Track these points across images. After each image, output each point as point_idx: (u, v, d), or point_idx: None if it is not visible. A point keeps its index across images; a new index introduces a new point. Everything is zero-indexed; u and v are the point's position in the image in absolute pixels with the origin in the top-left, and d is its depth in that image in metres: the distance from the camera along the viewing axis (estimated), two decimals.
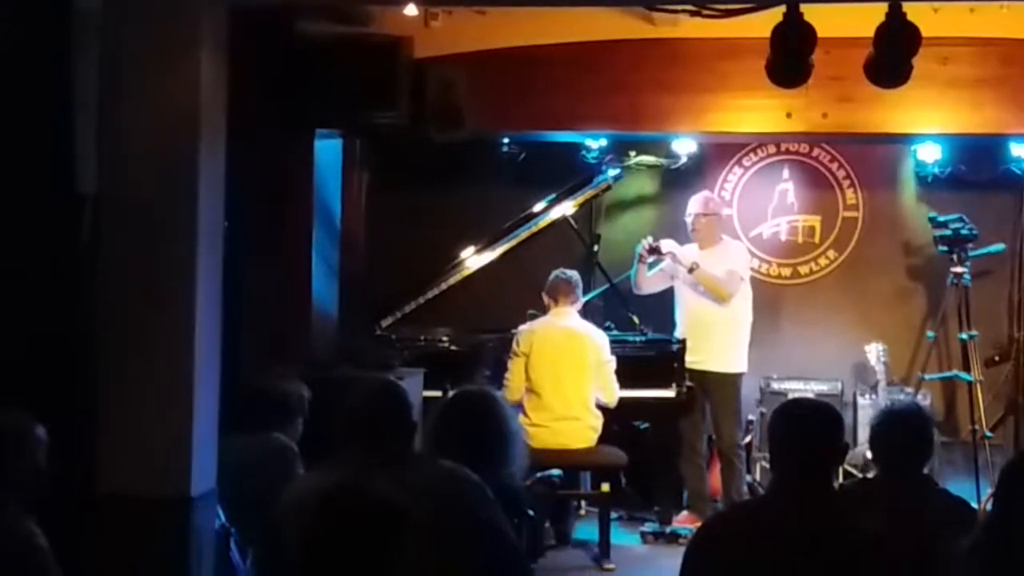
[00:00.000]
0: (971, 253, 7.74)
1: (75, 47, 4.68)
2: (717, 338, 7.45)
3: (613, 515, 7.10)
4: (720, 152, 8.55)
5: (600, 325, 7.35)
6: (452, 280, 7.58)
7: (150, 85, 4.68)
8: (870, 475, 6.27)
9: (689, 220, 7.60)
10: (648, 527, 7.45)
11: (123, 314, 4.66)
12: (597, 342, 6.94)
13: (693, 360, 7.39)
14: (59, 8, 4.66)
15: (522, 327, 7.00)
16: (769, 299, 8.24)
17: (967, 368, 7.71)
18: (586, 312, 7.45)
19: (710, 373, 7.44)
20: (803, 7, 5.13)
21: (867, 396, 7.95)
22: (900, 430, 4.11)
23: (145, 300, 4.66)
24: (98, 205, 4.76)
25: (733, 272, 7.45)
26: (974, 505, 5.98)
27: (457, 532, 3.53)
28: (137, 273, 4.66)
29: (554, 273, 7.06)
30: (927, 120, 7.12)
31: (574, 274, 7.08)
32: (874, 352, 7.84)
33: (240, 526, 4.70)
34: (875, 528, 3.29)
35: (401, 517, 2.83)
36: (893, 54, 5.34)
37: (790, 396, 7.34)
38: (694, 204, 7.62)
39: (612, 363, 6.95)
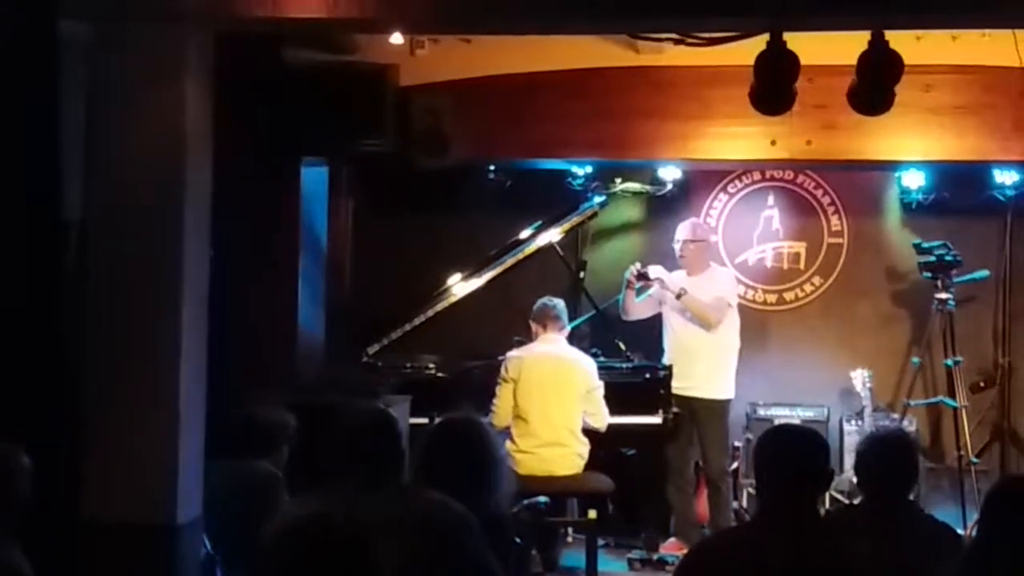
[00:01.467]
0: (956, 279, 7.78)
1: (61, 73, 4.68)
2: (704, 364, 7.46)
3: (600, 542, 7.07)
4: (705, 179, 8.58)
5: (587, 351, 7.37)
6: (439, 307, 7.58)
7: (136, 112, 4.69)
8: (856, 501, 6.28)
9: (677, 247, 7.63)
10: (635, 554, 7.44)
11: (109, 341, 4.66)
12: (586, 369, 6.95)
13: (680, 386, 7.40)
14: (45, 34, 4.67)
15: (510, 353, 7.01)
16: (755, 325, 8.25)
17: (952, 394, 7.73)
18: (573, 339, 7.45)
19: (697, 399, 7.45)
20: (786, 35, 5.16)
21: (853, 422, 7.95)
22: (885, 456, 4.12)
23: (131, 327, 4.66)
24: (84, 231, 4.76)
25: (720, 299, 7.47)
26: (960, 531, 6.02)
27: (442, 564, 3.52)
28: (123, 300, 4.67)
29: (540, 301, 7.08)
30: (910, 147, 7.15)
31: (559, 302, 7.10)
32: (859, 378, 7.85)
33: (224, 554, 4.68)
34: (861, 554, 3.29)
35: (365, 545, 2.82)
36: (876, 82, 5.37)
37: (776, 422, 7.34)
38: (682, 231, 7.65)
39: (600, 389, 6.96)
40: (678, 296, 7.45)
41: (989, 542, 3.35)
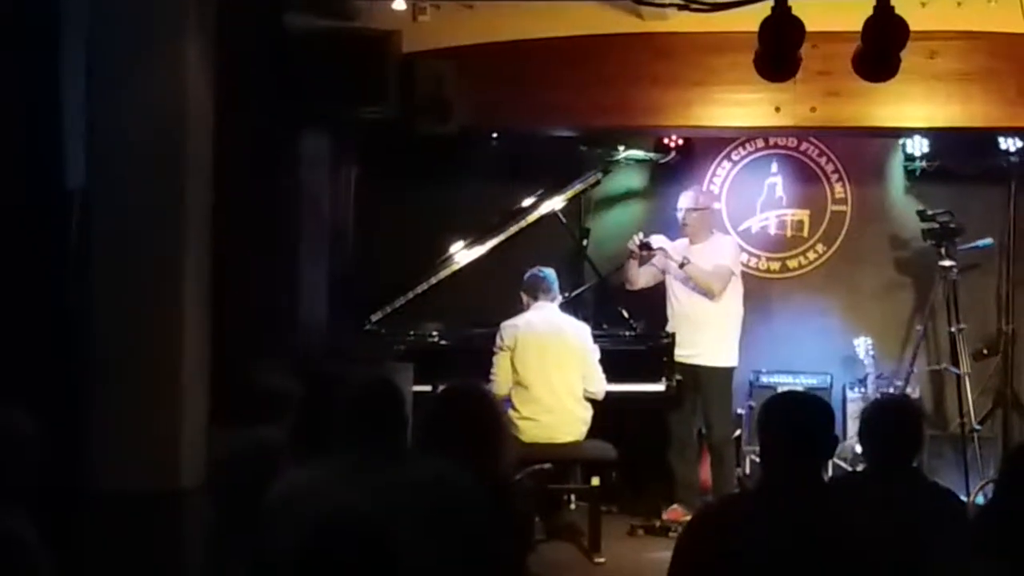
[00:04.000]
0: (959, 247, 7.77)
1: (63, 41, 4.67)
2: (708, 332, 7.46)
3: (603, 509, 7.11)
4: (709, 146, 8.55)
5: (589, 319, 7.37)
6: (442, 275, 7.58)
7: (138, 79, 4.68)
8: (859, 468, 6.28)
9: (680, 215, 7.60)
10: (638, 521, 7.46)
11: (112, 308, 4.66)
12: (579, 333, 6.98)
13: (684, 354, 7.41)
14: (46, 2, 4.65)
15: (505, 322, 7.01)
16: (758, 293, 8.24)
17: (955, 361, 7.73)
18: (576, 306, 7.45)
19: (701, 367, 7.45)
20: (791, 1, 5.14)
21: (856, 389, 7.96)
22: (890, 423, 4.11)
23: (134, 294, 4.66)
24: (87, 199, 4.75)
25: (723, 267, 7.46)
26: (963, 498, 6.02)
27: (445, 531, 3.53)
28: (126, 267, 4.66)
29: (530, 272, 7.10)
30: (915, 114, 7.13)
31: (550, 272, 7.10)
32: (863, 345, 7.85)
33: (229, 520, 4.69)
34: (864, 521, 3.29)
35: (394, 543, 2.83)
36: (881, 48, 5.35)
37: (779, 390, 7.33)
38: (684, 199, 7.63)
39: (595, 352, 6.97)
40: (681, 265, 7.44)
41: (1005, 508, 3.34)
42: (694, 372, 7.45)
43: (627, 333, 7.54)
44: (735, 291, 7.55)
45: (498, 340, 6.94)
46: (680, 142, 8.22)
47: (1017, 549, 3.12)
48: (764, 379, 8.09)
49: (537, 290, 7.04)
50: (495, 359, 6.93)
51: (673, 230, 7.68)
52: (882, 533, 3.26)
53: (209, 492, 4.73)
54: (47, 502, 3.88)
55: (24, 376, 4.47)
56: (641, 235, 7.61)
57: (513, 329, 6.93)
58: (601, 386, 6.96)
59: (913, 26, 5.25)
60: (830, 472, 7.09)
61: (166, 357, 4.65)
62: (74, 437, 4.56)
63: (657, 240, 7.58)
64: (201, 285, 4.83)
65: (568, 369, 6.89)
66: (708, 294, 7.44)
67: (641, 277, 7.71)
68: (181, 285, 4.67)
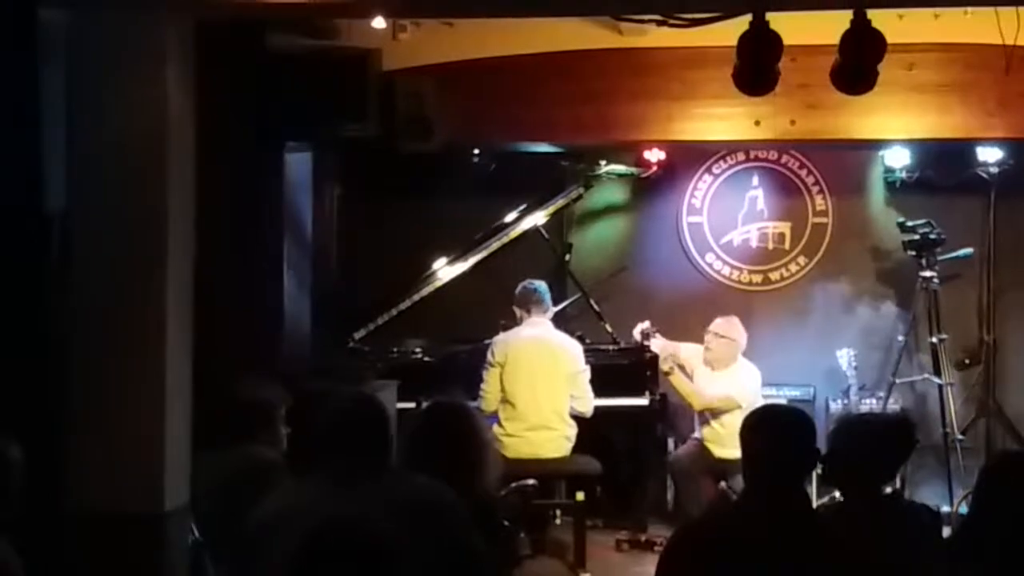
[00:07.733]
0: (940, 257, 7.80)
1: (42, 63, 4.66)
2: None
3: (588, 523, 7.11)
4: (690, 160, 8.58)
5: (572, 334, 7.38)
6: (425, 292, 7.59)
7: (118, 100, 4.68)
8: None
9: (707, 338, 7.48)
10: (624, 535, 7.46)
11: (93, 331, 4.65)
12: (571, 351, 6.97)
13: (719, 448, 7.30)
14: (25, 24, 4.64)
15: (497, 338, 7.02)
16: (740, 306, 8.24)
17: (938, 371, 7.76)
18: (559, 321, 7.46)
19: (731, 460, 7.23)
20: (769, 15, 5.16)
21: (839, 401, 7.98)
22: (854, 441, 4.05)
23: (116, 316, 4.65)
24: (67, 222, 4.74)
25: (727, 399, 7.30)
26: (946, 508, 6.04)
27: (431, 548, 3.52)
28: (107, 289, 4.66)
29: (522, 284, 7.09)
30: (894, 126, 7.15)
31: (541, 284, 7.11)
32: (845, 357, 7.87)
33: (215, 541, 4.67)
34: (845, 533, 3.31)
35: (394, 553, 2.82)
36: (859, 61, 5.37)
37: (762, 402, 7.35)
38: (716, 324, 7.50)
39: (586, 372, 6.97)
40: (667, 373, 7.41)
41: (983, 517, 3.36)
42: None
43: (610, 347, 7.55)
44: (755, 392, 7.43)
45: (489, 356, 6.94)
46: (661, 156, 8.23)
47: (996, 560, 3.14)
48: None
49: (529, 303, 7.04)
50: (485, 375, 6.94)
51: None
52: (862, 545, 3.28)
53: (193, 511, 4.71)
54: (30, 527, 3.87)
55: (6, 399, 4.45)
56: (641, 327, 7.55)
57: (504, 345, 6.93)
58: (590, 406, 6.97)
59: (890, 38, 5.28)
60: (814, 484, 7.12)
61: (148, 378, 4.64)
62: (56, 459, 4.54)
63: (656, 344, 7.51)
64: (184, 306, 4.82)
65: (556, 388, 6.88)
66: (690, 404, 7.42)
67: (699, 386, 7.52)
68: (163, 306, 4.65)
